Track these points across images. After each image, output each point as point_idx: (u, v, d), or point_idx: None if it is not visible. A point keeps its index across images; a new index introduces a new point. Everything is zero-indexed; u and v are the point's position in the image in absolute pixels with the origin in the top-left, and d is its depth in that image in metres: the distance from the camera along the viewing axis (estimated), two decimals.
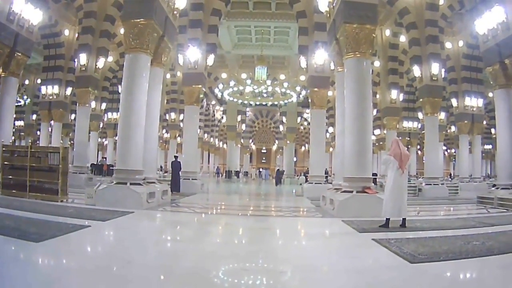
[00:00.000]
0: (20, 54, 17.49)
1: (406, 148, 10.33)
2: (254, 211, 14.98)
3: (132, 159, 12.72)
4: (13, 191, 13.55)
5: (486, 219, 11.49)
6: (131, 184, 12.37)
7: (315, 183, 20.37)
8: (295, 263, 6.29)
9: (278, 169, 40.55)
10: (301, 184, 26.38)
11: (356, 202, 11.80)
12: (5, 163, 14.01)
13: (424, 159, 26.76)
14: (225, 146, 62.61)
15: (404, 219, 9.46)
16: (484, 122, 32.90)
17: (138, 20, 13.27)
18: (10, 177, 13.86)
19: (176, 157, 20.85)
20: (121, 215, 10.27)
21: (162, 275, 5.33)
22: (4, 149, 14.23)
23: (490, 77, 17.13)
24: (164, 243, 8.27)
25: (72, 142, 29.09)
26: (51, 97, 27.33)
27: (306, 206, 16.16)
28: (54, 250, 6.35)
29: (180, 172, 19.63)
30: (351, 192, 12.10)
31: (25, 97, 39.73)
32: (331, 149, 45.00)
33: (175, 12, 15.42)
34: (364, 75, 12.99)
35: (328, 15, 15.14)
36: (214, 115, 57.28)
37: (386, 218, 9.51)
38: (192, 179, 20.70)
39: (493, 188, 17.23)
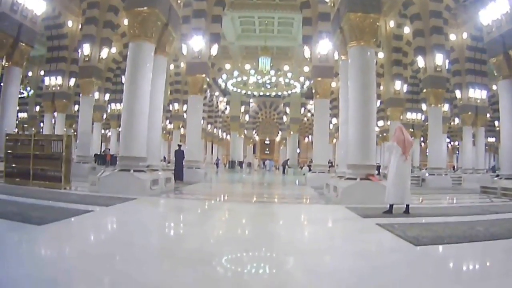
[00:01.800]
0: (23, 44, 17.59)
1: (409, 136, 10.25)
2: (257, 198, 14.96)
3: (136, 146, 12.73)
4: (17, 179, 13.61)
5: (490, 208, 11.46)
6: (134, 171, 12.39)
7: (319, 172, 20.39)
8: (298, 246, 6.28)
9: (286, 160, 41.07)
10: (304, 174, 26.38)
11: (360, 189, 11.79)
12: (9, 151, 14.09)
13: (427, 150, 26.68)
14: (228, 137, 62.10)
15: (407, 206, 9.46)
16: (488, 115, 32.60)
17: (142, 8, 13.29)
18: (14, 165, 13.94)
19: (179, 145, 20.80)
20: (124, 201, 10.29)
21: (164, 256, 5.33)
22: (7, 138, 14.30)
23: (494, 68, 17.06)
24: (167, 227, 8.29)
25: (75, 133, 29.09)
26: (54, 88, 27.37)
27: (309, 194, 16.21)
28: (56, 232, 6.33)
29: (183, 161, 19.60)
30: (355, 179, 12.10)
31: (28, 88, 39.68)
32: (334, 140, 44.92)
33: (179, 1, 15.45)
34: (368, 63, 12.99)
35: (332, 4, 15.15)
36: (218, 106, 56.93)
37: (390, 204, 9.51)
38: (196, 168, 20.74)
39: (496, 178, 17.23)
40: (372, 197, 11.25)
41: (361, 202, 11.13)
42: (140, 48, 13.39)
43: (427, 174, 22.75)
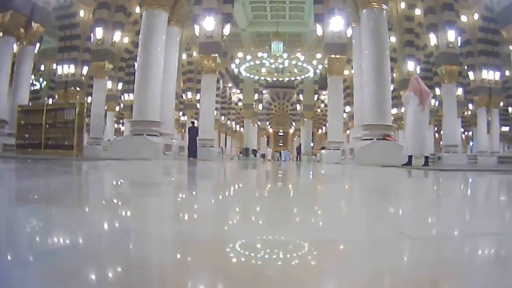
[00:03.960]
0: (37, 24, 17.68)
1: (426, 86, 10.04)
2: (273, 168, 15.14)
3: (149, 111, 12.68)
4: (29, 149, 13.51)
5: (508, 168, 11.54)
6: (147, 135, 12.29)
7: (333, 149, 20.14)
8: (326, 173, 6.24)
9: (300, 145, 41.33)
10: (318, 161, 26.43)
11: (377, 148, 11.64)
12: (21, 122, 13.99)
13: (442, 131, 26.26)
14: (242, 129, 61.47)
15: (426, 158, 9.26)
16: (501, 104, 32.06)
17: None
18: (26, 136, 13.84)
19: (193, 122, 20.65)
20: (137, 160, 10.20)
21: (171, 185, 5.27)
22: (19, 109, 14.22)
23: (506, 36, 16.83)
24: (178, 173, 8.28)
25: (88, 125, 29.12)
26: (67, 77, 27.30)
27: (325, 165, 16.13)
28: (60, 163, 6.27)
29: (197, 139, 19.45)
30: (371, 139, 11.93)
31: (41, 79, 39.78)
32: (348, 131, 44.59)
33: None
34: (380, 25, 13.06)
35: None
36: (231, 98, 56.78)
37: (408, 156, 9.33)
38: (210, 146, 20.54)
39: None
40: (389, 157, 11.11)
41: (377, 162, 10.96)
42: (154, 16, 13.49)
43: (442, 152, 22.56)
